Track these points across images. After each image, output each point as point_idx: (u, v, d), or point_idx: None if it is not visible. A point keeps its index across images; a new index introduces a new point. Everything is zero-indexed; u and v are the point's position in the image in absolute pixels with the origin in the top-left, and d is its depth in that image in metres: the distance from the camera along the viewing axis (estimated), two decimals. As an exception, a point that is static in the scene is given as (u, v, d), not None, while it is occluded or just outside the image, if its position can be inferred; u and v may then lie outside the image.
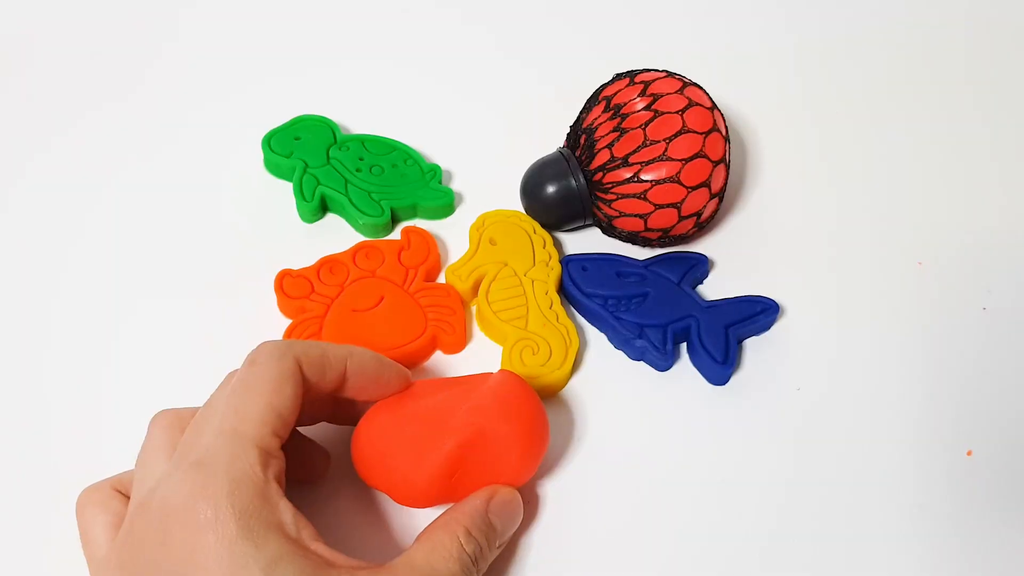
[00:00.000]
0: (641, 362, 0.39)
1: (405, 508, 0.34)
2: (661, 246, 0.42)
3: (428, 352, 0.39)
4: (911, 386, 0.39)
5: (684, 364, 0.39)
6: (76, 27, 0.54)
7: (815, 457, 0.36)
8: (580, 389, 0.38)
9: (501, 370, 0.34)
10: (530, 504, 0.34)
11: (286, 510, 0.27)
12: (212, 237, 0.43)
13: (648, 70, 0.41)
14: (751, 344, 0.40)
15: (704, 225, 0.42)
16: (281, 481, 0.27)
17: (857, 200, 0.46)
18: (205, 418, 0.28)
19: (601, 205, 0.40)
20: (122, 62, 0.52)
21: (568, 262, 0.41)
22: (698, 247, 0.43)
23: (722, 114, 0.41)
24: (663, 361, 0.38)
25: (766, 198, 0.46)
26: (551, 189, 0.41)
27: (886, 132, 0.50)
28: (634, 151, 0.38)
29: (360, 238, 0.43)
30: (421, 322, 0.38)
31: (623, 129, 0.39)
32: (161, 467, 0.28)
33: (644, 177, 0.38)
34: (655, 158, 0.38)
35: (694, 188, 0.39)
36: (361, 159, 0.45)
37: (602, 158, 0.39)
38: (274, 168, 0.45)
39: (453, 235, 0.43)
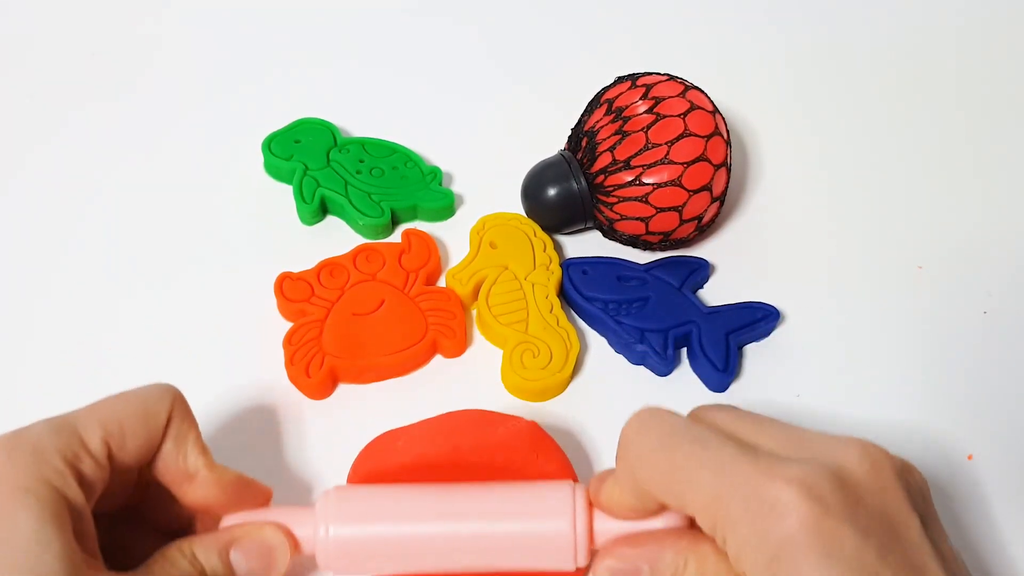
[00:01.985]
0: (641, 367, 0.39)
1: None
2: (662, 250, 0.42)
3: (428, 356, 0.39)
4: (911, 391, 0.39)
5: (684, 369, 0.39)
6: (76, 27, 0.54)
7: (816, 462, 0.36)
8: (580, 393, 0.38)
9: None
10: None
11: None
12: (212, 240, 0.43)
13: (650, 73, 0.41)
14: (751, 350, 0.40)
15: (705, 229, 0.42)
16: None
17: (857, 205, 0.46)
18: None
19: (602, 208, 0.40)
20: (123, 63, 0.52)
21: (569, 266, 0.41)
22: (698, 251, 0.43)
23: (724, 118, 0.41)
24: (663, 366, 0.38)
25: (767, 202, 0.46)
26: (552, 192, 0.41)
27: (886, 137, 0.50)
28: (636, 154, 0.38)
29: (360, 240, 0.43)
30: (421, 326, 0.38)
31: (625, 132, 0.39)
32: None
33: (646, 180, 0.38)
34: (657, 161, 0.38)
35: (696, 192, 0.39)
36: (361, 161, 0.44)
37: (604, 161, 0.39)
38: (274, 171, 0.45)
39: (453, 237, 0.43)
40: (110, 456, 0.26)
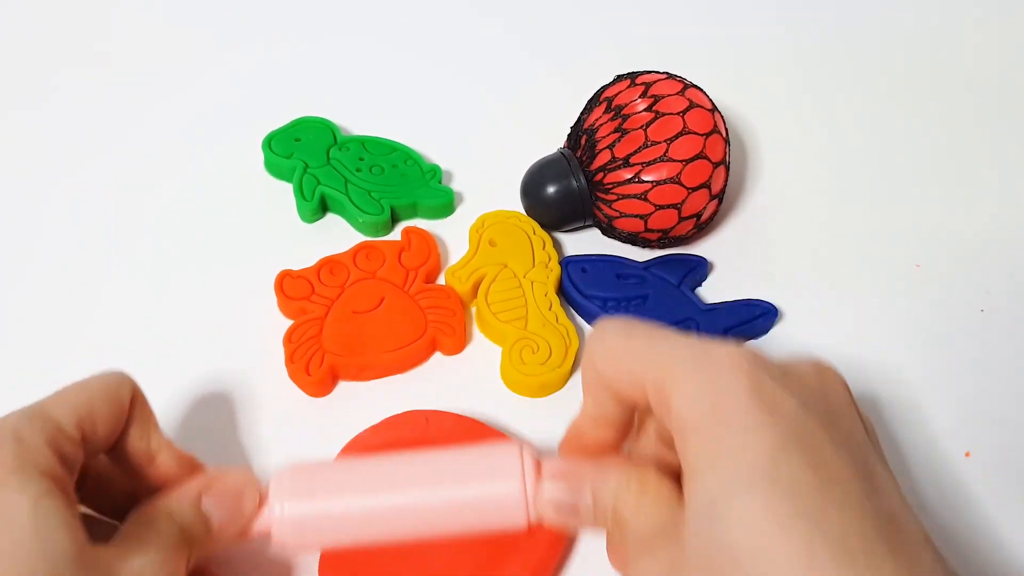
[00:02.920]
0: (641, 363, 0.39)
1: None
2: (661, 247, 0.42)
3: (428, 353, 0.39)
4: (909, 388, 0.39)
5: (684, 366, 0.39)
6: (77, 28, 0.54)
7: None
8: (579, 389, 0.38)
9: None
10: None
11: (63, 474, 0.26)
12: (213, 238, 0.43)
13: (649, 71, 0.41)
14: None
15: (704, 226, 0.42)
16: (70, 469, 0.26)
17: (856, 203, 0.46)
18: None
19: (601, 206, 0.40)
20: (124, 62, 0.52)
21: (568, 263, 0.41)
22: (697, 249, 0.43)
23: (722, 116, 0.41)
24: (663, 363, 0.38)
25: (765, 200, 0.46)
26: (552, 189, 0.41)
27: (885, 135, 0.50)
28: (635, 152, 0.38)
29: (360, 238, 0.43)
30: (421, 324, 0.38)
31: (624, 130, 0.39)
32: None
33: (645, 178, 0.38)
34: (656, 159, 0.38)
35: (694, 189, 0.39)
36: (361, 159, 0.45)
37: (603, 159, 0.39)
38: (274, 169, 0.45)
39: (453, 235, 0.43)
40: (84, 439, 0.27)
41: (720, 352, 0.25)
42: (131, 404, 0.29)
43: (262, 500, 0.29)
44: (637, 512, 0.27)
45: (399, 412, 0.35)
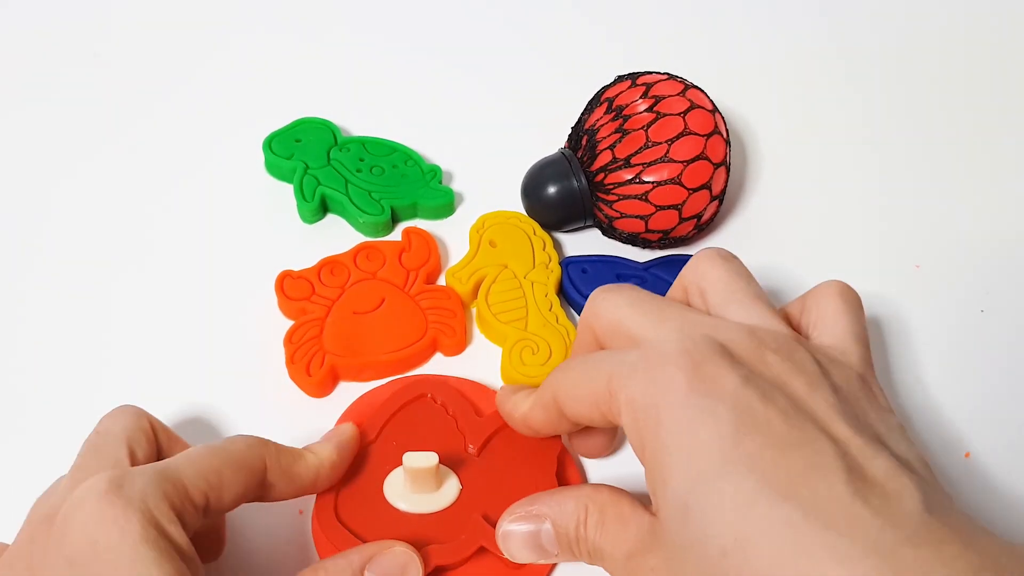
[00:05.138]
0: (641, 364, 0.39)
1: None
2: (661, 248, 0.42)
3: (428, 354, 0.39)
4: (909, 388, 0.39)
5: (684, 366, 0.39)
6: (77, 28, 0.54)
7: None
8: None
9: None
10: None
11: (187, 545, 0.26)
12: (213, 239, 0.43)
13: (650, 72, 0.41)
14: (751, 346, 0.40)
15: (704, 227, 0.42)
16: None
17: (855, 203, 0.46)
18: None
19: (602, 206, 0.40)
20: (124, 64, 0.52)
21: (568, 264, 0.41)
22: (697, 250, 0.43)
23: (723, 117, 0.41)
24: (663, 363, 0.38)
25: (765, 201, 0.46)
26: (552, 189, 0.41)
27: (885, 135, 0.50)
28: (636, 152, 0.38)
29: (361, 239, 0.43)
30: (422, 325, 0.38)
31: (625, 130, 0.39)
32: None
33: (646, 178, 0.38)
34: (657, 160, 0.38)
35: (695, 190, 0.39)
36: (361, 160, 0.45)
37: (604, 159, 0.39)
38: (275, 170, 0.45)
39: (453, 236, 0.43)
40: (207, 507, 0.27)
41: (659, 351, 0.26)
42: (265, 468, 0.29)
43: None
44: (606, 540, 0.27)
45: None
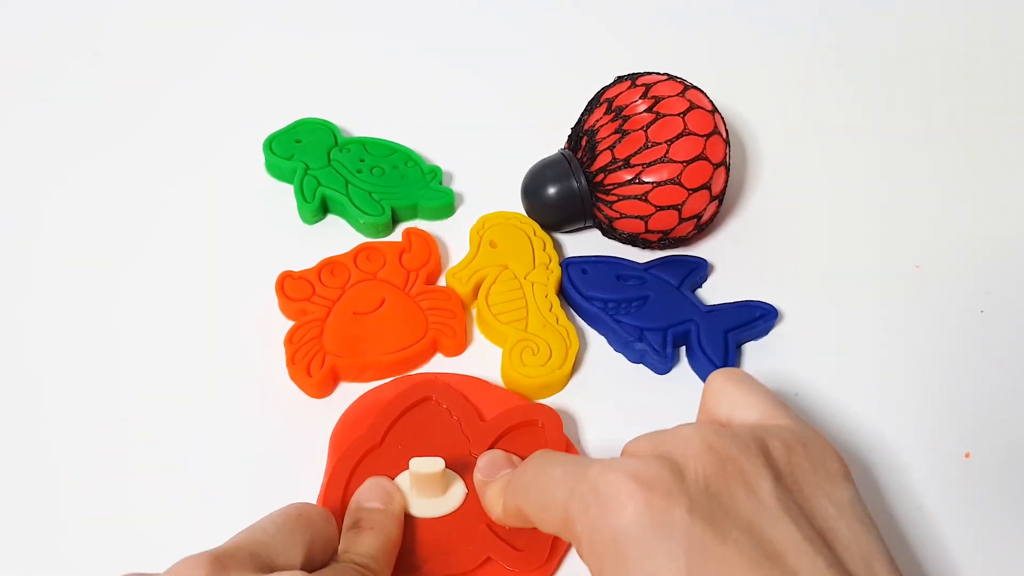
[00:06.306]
0: (640, 365, 0.39)
1: None
2: (661, 248, 0.42)
3: (429, 355, 0.39)
4: (909, 389, 0.39)
5: (683, 367, 0.39)
6: (77, 28, 0.54)
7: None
8: (580, 390, 0.38)
9: None
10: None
11: None
12: (214, 239, 0.43)
13: (650, 73, 0.41)
14: (749, 348, 0.40)
15: (704, 228, 0.42)
16: None
17: (855, 204, 0.46)
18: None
19: (602, 207, 0.40)
20: (124, 64, 0.52)
21: (568, 265, 0.41)
22: (697, 250, 0.43)
23: (723, 117, 0.41)
24: (663, 364, 0.38)
25: (765, 201, 0.46)
26: (552, 190, 0.41)
27: (885, 136, 0.50)
28: (635, 153, 0.38)
29: (361, 239, 0.43)
30: (422, 325, 0.38)
31: (625, 131, 0.39)
32: None
33: (645, 179, 0.38)
34: (656, 160, 0.38)
35: (695, 190, 0.39)
36: (362, 161, 0.45)
37: (603, 160, 0.39)
38: (275, 171, 0.45)
39: (453, 236, 0.43)
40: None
41: (608, 485, 0.25)
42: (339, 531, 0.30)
43: None
44: None
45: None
